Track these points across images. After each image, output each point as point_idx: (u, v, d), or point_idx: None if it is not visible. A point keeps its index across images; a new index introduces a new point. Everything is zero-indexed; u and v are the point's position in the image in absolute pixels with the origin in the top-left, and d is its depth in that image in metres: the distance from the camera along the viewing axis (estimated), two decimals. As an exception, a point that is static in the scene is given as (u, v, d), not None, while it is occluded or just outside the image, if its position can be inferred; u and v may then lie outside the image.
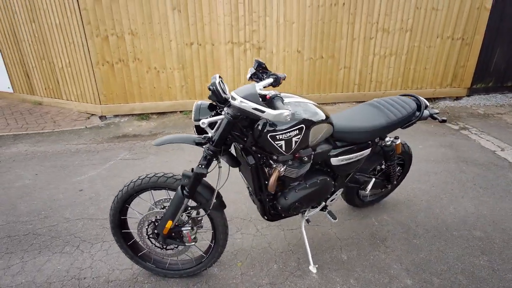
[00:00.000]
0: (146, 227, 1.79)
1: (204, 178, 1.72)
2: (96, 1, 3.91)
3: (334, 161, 1.85)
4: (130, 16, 4.06)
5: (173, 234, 1.76)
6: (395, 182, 2.32)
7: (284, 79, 1.88)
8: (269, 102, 1.36)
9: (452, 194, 2.73)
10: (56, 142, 3.87)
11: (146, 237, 1.81)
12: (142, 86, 4.45)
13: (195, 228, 1.78)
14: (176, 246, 1.81)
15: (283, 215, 1.91)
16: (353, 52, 4.75)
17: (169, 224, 1.67)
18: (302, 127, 1.55)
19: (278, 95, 1.37)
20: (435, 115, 2.15)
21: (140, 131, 4.21)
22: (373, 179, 2.12)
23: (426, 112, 2.11)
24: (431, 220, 2.41)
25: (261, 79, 1.71)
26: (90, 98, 4.52)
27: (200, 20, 4.24)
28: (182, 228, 1.73)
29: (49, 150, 3.66)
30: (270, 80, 1.68)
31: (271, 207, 1.87)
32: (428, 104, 2.09)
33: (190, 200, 1.70)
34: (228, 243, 2.21)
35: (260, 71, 1.71)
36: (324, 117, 1.66)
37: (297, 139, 1.56)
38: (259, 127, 1.53)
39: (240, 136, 1.57)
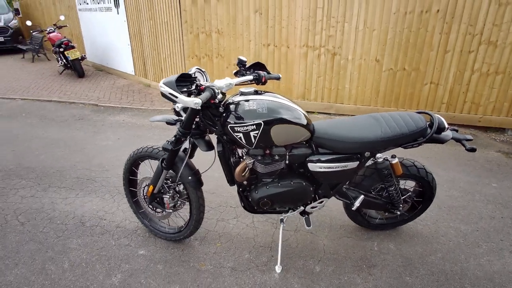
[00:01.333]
0: (142, 188, 2.15)
1: (183, 158, 1.97)
2: (193, 3, 4.58)
3: (311, 166, 1.82)
4: (218, 17, 4.59)
5: (157, 199, 2.07)
6: (400, 207, 2.07)
7: (277, 79, 1.95)
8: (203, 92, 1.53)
9: (498, 246, 2.22)
10: (145, 117, 4.74)
11: (142, 197, 2.18)
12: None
13: (176, 197, 2.05)
14: (161, 210, 2.12)
15: (255, 208, 1.99)
16: (444, 66, 4.16)
17: (151, 188, 1.99)
18: (260, 124, 1.62)
19: (212, 87, 1.50)
20: (464, 142, 1.84)
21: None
22: (361, 196, 1.95)
23: (447, 134, 1.83)
24: (446, 263, 2.05)
25: (244, 76, 1.83)
26: (180, 86, 5.31)
27: (279, 23, 4.46)
28: (163, 196, 2.02)
29: (137, 123, 4.52)
30: (249, 77, 1.79)
31: (245, 198, 1.98)
32: (447, 125, 1.81)
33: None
34: (221, 226, 2.39)
35: (243, 68, 1.84)
36: (296, 120, 1.67)
37: (255, 134, 1.64)
38: (223, 118, 1.67)
39: (211, 125, 1.75)
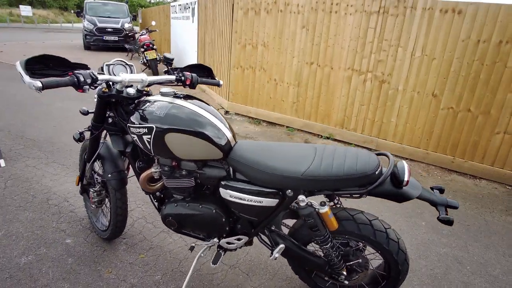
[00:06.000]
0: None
1: (112, 152, 1.86)
2: (245, 14, 4.57)
3: (222, 192, 1.51)
4: (266, 30, 4.47)
5: (87, 192, 2.01)
6: (343, 275, 1.54)
7: (217, 86, 1.72)
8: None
9: None
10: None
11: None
12: (261, 94, 4.81)
13: (103, 193, 1.94)
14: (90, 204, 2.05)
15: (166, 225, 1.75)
16: (526, 114, 3.18)
17: (77, 178, 1.93)
18: (152, 128, 1.40)
19: (80, 74, 1.31)
20: (440, 207, 1.29)
21: (242, 131, 4.59)
22: (281, 245, 1.51)
23: (415, 190, 1.32)
24: None
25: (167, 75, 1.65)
26: (224, 94, 5.34)
27: (325, 41, 4.09)
28: (90, 189, 1.94)
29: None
30: (170, 77, 1.60)
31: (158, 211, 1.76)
32: (407, 177, 1.27)
33: None
34: (160, 238, 2.20)
35: (170, 68, 1.65)
36: (201, 132, 1.40)
37: (148, 139, 1.43)
38: (130, 116, 1.51)
39: (124, 123, 1.61)
